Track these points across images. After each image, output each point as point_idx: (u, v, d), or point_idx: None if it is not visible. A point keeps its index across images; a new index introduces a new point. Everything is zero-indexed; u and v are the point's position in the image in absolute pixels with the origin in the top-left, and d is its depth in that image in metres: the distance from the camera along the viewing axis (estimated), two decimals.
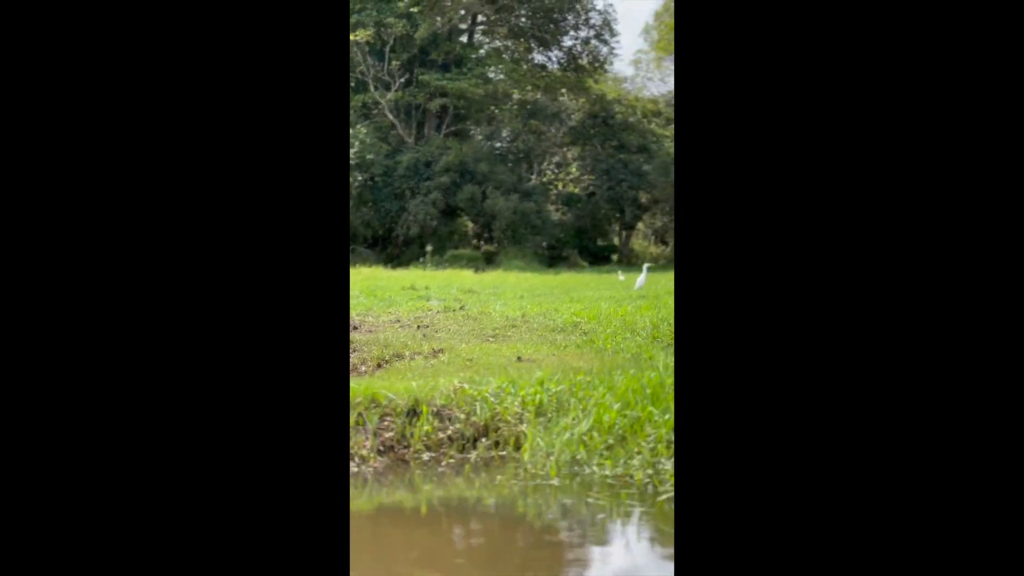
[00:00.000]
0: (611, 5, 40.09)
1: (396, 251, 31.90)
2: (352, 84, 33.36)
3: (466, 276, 23.74)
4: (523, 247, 31.19)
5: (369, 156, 31.13)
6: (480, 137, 37.59)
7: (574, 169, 36.86)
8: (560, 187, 37.17)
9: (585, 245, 35.47)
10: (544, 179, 36.94)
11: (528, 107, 35.70)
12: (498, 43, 36.72)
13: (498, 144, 37.86)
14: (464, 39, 35.36)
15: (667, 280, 17.21)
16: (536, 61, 36.43)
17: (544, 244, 33.16)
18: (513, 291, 15.94)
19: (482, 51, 34.04)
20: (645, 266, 17.10)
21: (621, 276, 21.28)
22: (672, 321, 8.96)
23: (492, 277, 23.07)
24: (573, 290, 15.96)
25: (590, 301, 12.02)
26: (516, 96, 35.30)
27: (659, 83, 41.24)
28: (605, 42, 35.64)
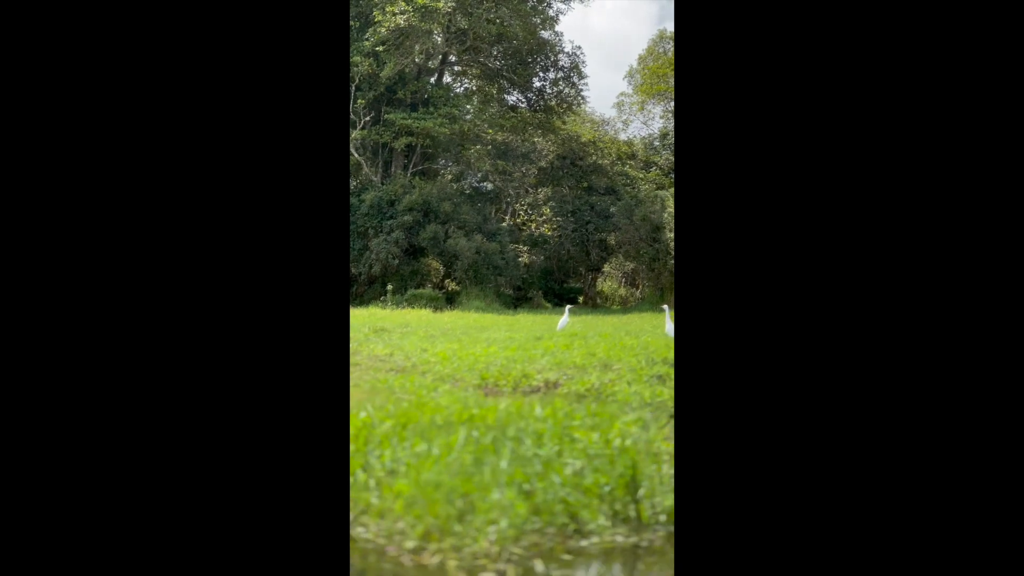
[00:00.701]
0: (580, 48, 40.13)
1: (360, 289, 31.63)
2: None
3: (421, 315, 23.53)
4: (485, 287, 30.95)
5: None
6: (450, 177, 37.54)
7: (547, 211, 36.74)
8: (533, 228, 37.03)
9: (551, 287, 35.31)
10: (518, 220, 36.83)
11: (498, 147, 35.68)
12: (467, 83, 36.77)
13: (466, 184, 37.80)
14: (434, 79, 35.36)
15: (597, 322, 16.98)
16: (506, 102, 36.44)
17: (509, 285, 32.94)
18: (432, 330, 15.65)
19: (453, 91, 33.94)
20: (567, 308, 17.15)
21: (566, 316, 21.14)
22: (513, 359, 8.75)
23: (446, 317, 22.84)
24: (502, 329, 15.67)
25: (503, 342, 11.71)
26: (486, 136, 35.23)
27: (640, 126, 41.42)
28: (573, 84, 35.68)
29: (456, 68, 36.97)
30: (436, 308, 27.94)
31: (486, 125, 34.77)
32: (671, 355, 9.08)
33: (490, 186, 37.68)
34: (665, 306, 16.93)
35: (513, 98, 36.57)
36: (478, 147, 35.59)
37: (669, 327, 12.94)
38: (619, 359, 8.91)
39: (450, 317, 22.93)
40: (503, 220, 36.41)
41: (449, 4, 29.80)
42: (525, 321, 21.25)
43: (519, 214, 37.55)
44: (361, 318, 19.67)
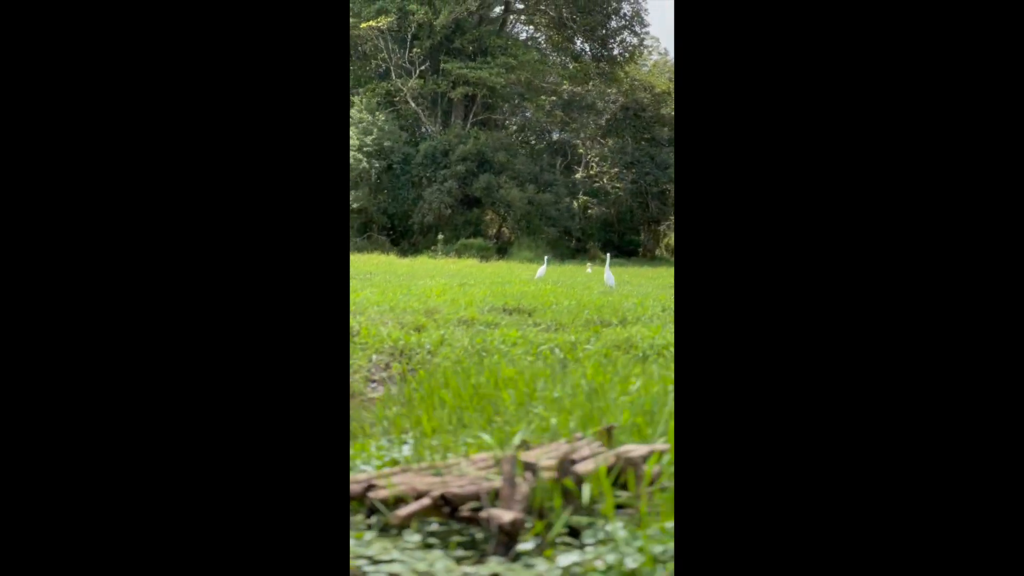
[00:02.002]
0: None
1: (416, 239, 31.93)
2: (375, 72, 33.49)
3: (464, 265, 23.72)
4: (537, 238, 30.89)
5: (387, 143, 31.16)
6: (514, 128, 37.41)
7: (605, 163, 36.37)
8: (606, 180, 36.67)
9: (610, 239, 35.02)
10: (591, 172, 36.53)
11: (562, 97, 35.36)
12: (531, 32, 36.44)
13: (531, 135, 37.62)
14: (498, 28, 35.15)
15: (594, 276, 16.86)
16: (569, 51, 36.03)
17: (565, 236, 32.82)
18: (445, 275, 15.72)
19: (511, 40, 33.65)
20: (546, 258, 17.05)
21: (589, 269, 21.06)
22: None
23: (489, 268, 22.98)
24: (482, 276, 15.69)
25: (507, 287, 11.75)
26: (548, 87, 34.95)
27: None
28: (636, 33, 35.08)
29: (522, 16, 36.68)
30: (484, 258, 28.05)
31: (548, 75, 34.45)
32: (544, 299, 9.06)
33: (556, 136, 37.44)
34: (608, 254, 16.69)
35: (576, 47, 36.11)
36: (541, 97, 35.34)
37: (608, 276, 12.80)
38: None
39: (492, 267, 23.05)
40: (576, 171, 36.20)
41: None
42: (530, 271, 21.24)
43: (591, 166, 37.23)
44: (370, 264, 19.85)
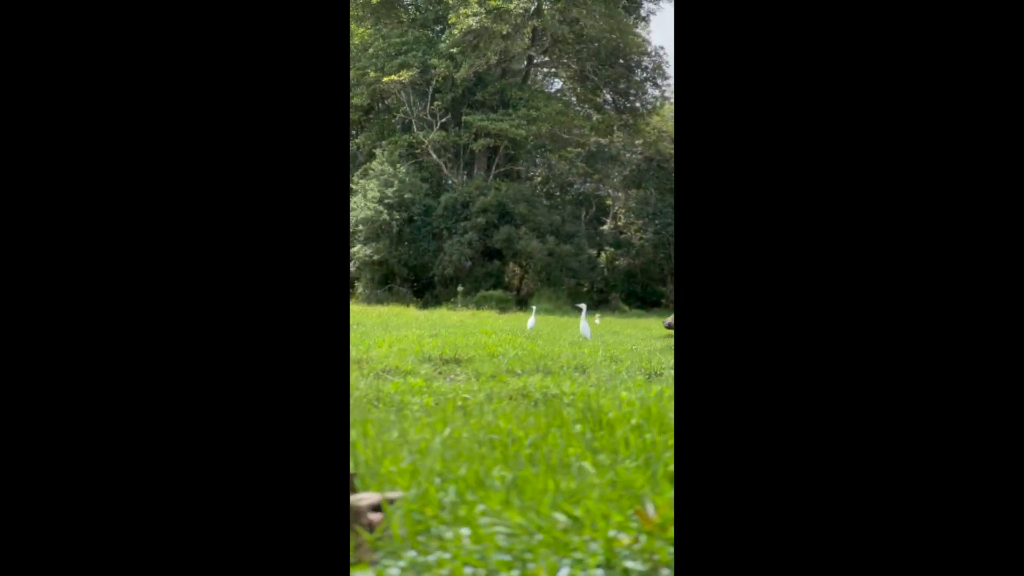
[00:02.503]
0: (662, 48, 39.32)
1: (439, 291, 31.90)
2: (399, 125, 33.76)
3: (480, 316, 23.62)
4: (558, 289, 30.75)
5: (408, 195, 31.31)
6: (538, 179, 37.46)
7: (631, 214, 36.27)
8: (633, 231, 36.50)
9: (634, 290, 34.80)
10: (619, 223, 36.40)
11: (587, 149, 35.41)
12: (555, 84, 36.63)
13: (554, 186, 37.64)
14: (520, 80, 35.36)
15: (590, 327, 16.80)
16: (592, 104, 36.14)
17: (586, 287, 32.67)
18: (446, 326, 15.61)
19: (531, 92, 33.80)
20: (534, 308, 16.90)
21: (597, 320, 20.88)
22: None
23: (503, 319, 22.85)
24: (484, 327, 15.55)
25: (471, 337, 11.61)
26: (571, 138, 35.02)
27: None
28: (657, 86, 35.14)
29: (544, 70, 36.91)
30: (503, 310, 27.94)
31: (571, 126, 34.53)
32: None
33: (580, 188, 37.45)
34: (582, 305, 16.46)
35: (600, 99, 36.21)
36: (568, 149, 35.42)
37: (584, 327, 12.60)
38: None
39: (474, 318, 22.90)
40: (604, 223, 36.10)
41: (521, 6, 29.75)
42: (544, 323, 21.08)
43: (619, 217, 37.12)
44: (382, 316, 19.81)
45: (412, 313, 24.38)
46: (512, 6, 29.55)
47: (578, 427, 3.39)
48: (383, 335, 12.08)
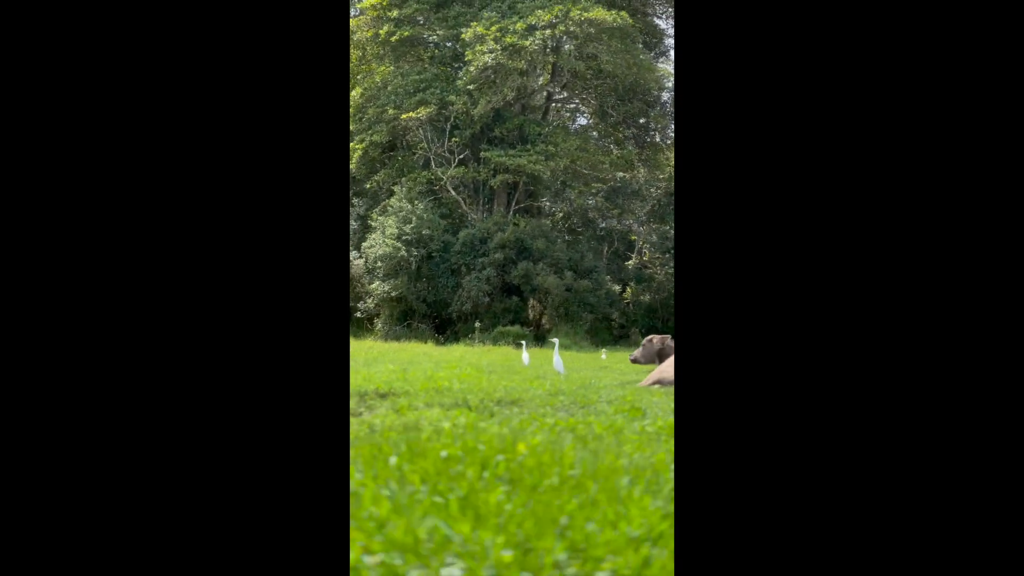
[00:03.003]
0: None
1: (456, 327, 31.87)
2: (419, 162, 33.94)
3: (496, 352, 23.52)
4: (576, 325, 30.62)
5: (426, 231, 31.39)
6: (560, 215, 37.45)
7: (648, 249, 36.11)
8: (657, 266, 36.33)
9: (655, 325, 34.56)
10: (644, 258, 36.28)
11: (608, 184, 35.38)
12: (575, 120, 36.69)
13: (576, 222, 37.57)
14: (541, 116, 35.47)
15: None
16: (611, 138, 36.15)
17: (605, 322, 32.49)
18: (445, 362, 15.51)
19: (549, 127, 33.86)
20: (523, 343, 17.07)
21: (604, 355, 20.71)
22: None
23: (515, 354, 22.75)
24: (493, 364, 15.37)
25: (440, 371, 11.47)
26: (587, 173, 35.02)
27: None
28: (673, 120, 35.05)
29: (565, 106, 36.99)
30: (520, 346, 27.85)
31: (591, 162, 34.52)
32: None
33: (602, 223, 37.38)
34: (555, 339, 16.19)
35: (620, 134, 36.22)
36: (592, 185, 35.39)
37: (556, 361, 12.35)
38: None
39: (490, 354, 22.76)
40: (629, 258, 35.98)
41: (536, 43, 29.88)
42: (570, 359, 20.92)
43: (645, 252, 36.98)
44: (393, 353, 19.74)
45: (420, 348, 24.29)
46: (528, 43, 29.68)
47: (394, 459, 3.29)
48: (371, 369, 12.01)
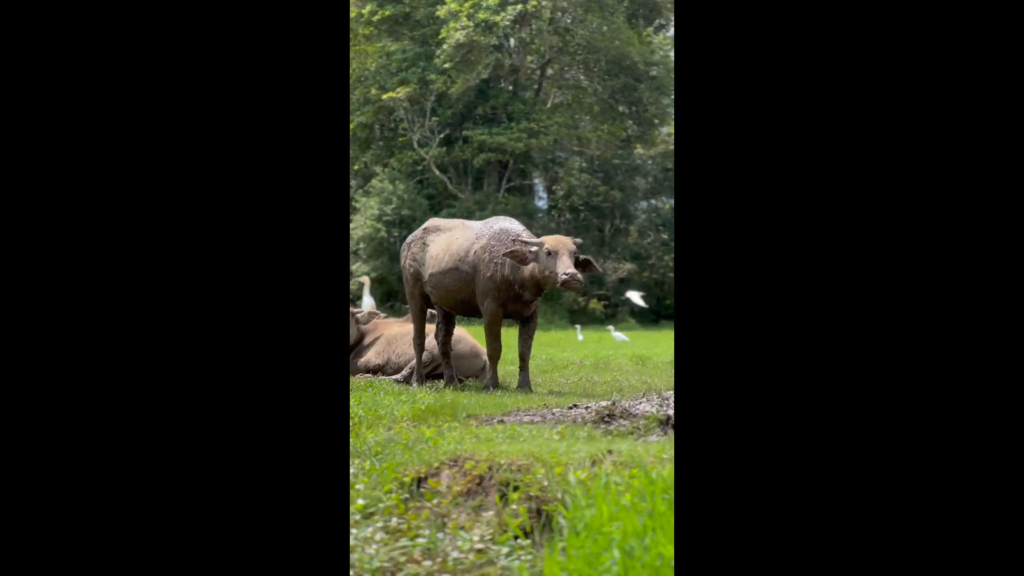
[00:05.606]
0: (670, 57, 38.63)
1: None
2: (400, 141, 33.71)
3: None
4: (555, 304, 30.21)
5: (406, 212, 31.18)
6: (561, 193, 36.97)
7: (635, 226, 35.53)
8: (646, 243, 35.74)
9: (647, 303, 33.99)
10: (634, 235, 35.74)
11: (599, 161, 34.77)
12: (564, 96, 36.10)
13: (567, 200, 37.08)
14: (534, 93, 34.97)
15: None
16: (603, 115, 35.50)
17: (589, 302, 32.05)
18: None
19: (532, 104, 33.35)
20: (578, 326, 16.54)
21: (580, 336, 20.42)
22: None
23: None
24: None
25: None
26: (580, 150, 34.46)
27: None
28: (667, 95, 34.32)
29: (555, 81, 36.42)
30: (504, 326, 27.56)
31: (582, 138, 33.97)
32: None
33: (592, 200, 36.82)
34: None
35: (611, 111, 35.54)
36: (579, 161, 34.85)
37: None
38: None
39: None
40: (627, 236, 35.46)
41: (508, 18, 29.40)
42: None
43: (634, 232, 36.38)
44: None
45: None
46: (499, 18, 29.23)
47: None
48: None
